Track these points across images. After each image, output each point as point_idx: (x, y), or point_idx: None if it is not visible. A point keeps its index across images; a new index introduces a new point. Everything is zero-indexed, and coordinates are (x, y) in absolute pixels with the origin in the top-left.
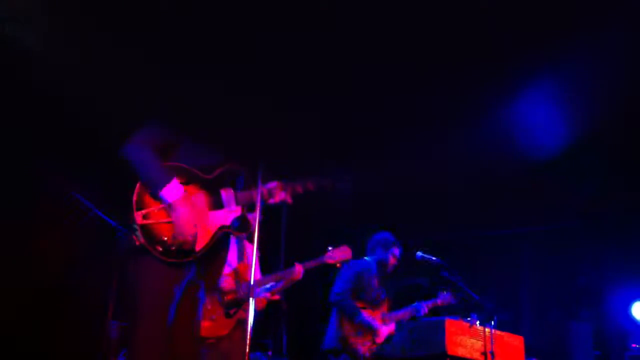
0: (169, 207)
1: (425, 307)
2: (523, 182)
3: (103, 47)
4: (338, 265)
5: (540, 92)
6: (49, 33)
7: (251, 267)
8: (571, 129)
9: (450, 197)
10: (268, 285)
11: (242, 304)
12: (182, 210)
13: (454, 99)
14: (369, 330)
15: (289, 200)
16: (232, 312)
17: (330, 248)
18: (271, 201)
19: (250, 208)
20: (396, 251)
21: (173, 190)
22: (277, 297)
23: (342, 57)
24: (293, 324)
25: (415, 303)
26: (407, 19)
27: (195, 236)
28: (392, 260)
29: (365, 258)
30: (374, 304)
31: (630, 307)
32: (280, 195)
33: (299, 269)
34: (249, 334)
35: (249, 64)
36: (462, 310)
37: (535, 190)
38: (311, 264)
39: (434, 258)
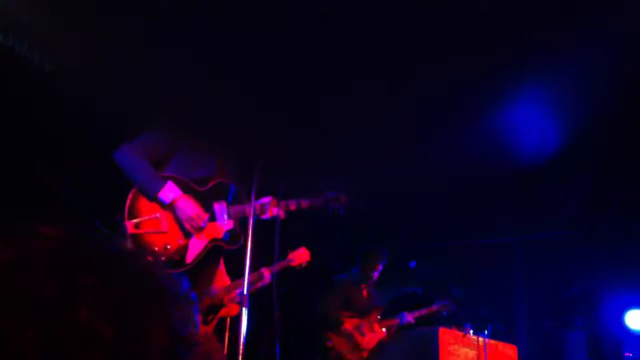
0: (169, 207)
1: (409, 317)
2: (516, 190)
3: (100, 49)
4: (298, 267)
5: (530, 99)
6: (44, 34)
7: (222, 271)
8: (563, 136)
9: (443, 205)
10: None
11: (219, 310)
12: (185, 202)
13: (446, 108)
14: (353, 337)
15: (282, 216)
16: (209, 318)
17: (289, 251)
18: (264, 216)
19: (243, 221)
20: (380, 267)
21: (170, 191)
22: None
23: (332, 62)
24: (286, 333)
25: (401, 313)
26: (394, 24)
27: (207, 221)
28: (375, 276)
29: (353, 270)
30: (363, 313)
31: (624, 315)
32: (273, 210)
33: (267, 274)
34: (242, 344)
35: (242, 74)
36: (456, 319)
37: (528, 198)
38: (276, 267)
39: (427, 267)
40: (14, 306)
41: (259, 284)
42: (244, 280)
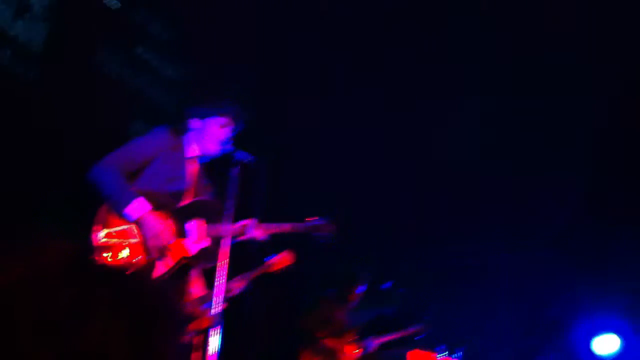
0: (135, 224)
1: (374, 343)
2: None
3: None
4: (279, 272)
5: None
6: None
7: (199, 283)
8: (547, 157)
9: (420, 225)
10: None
11: (189, 323)
12: (152, 221)
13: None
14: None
15: (262, 239)
16: None
17: (268, 257)
18: (242, 238)
19: (218, 242)
20: (359, 290)
21: (138, 207)
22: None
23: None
24: (262, 349)
25: (365, 339)
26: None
27: (166, 248)
28: (353, 299)
29: (331, 289)
30: (338, 335)
31: (591, 342)
32: (252, 233)
33: (235, 287)
34: None
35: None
36: (430, 340)
37: (497, 223)
38: (252, 274)
39: (399, 289)
40: (28, 322)
41: (230, 294)
42: (214, 295)
